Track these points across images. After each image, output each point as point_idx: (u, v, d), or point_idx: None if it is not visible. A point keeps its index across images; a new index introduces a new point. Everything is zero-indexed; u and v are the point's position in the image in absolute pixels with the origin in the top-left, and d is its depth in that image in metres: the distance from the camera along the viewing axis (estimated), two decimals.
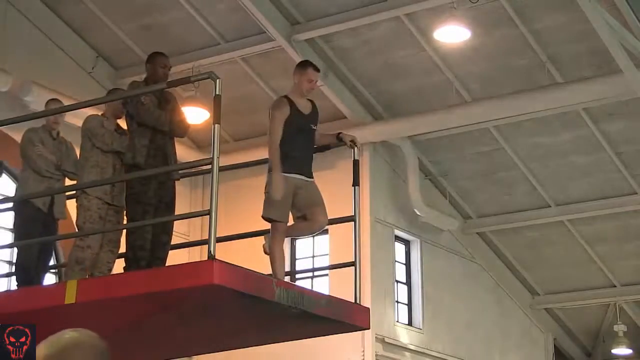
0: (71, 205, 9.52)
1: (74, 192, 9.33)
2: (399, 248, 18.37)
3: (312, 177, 8.42)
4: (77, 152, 9.46)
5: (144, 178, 8.50)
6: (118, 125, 9.24)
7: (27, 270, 9.19)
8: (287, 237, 8.59)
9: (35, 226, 9.25)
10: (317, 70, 8.63)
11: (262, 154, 8.66)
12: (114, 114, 9.16)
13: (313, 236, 17.05)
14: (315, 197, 8.33)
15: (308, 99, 8.56)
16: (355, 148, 8.77)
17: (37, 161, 9.37)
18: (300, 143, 8.35)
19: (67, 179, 9.74)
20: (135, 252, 8.45)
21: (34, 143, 9.43)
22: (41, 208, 9.29)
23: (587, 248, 19.92)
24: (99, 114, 9.37)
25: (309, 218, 8.33)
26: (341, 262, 9.19)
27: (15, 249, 9.93)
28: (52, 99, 10.19)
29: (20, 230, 9.36)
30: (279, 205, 8.15)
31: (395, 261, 18.03)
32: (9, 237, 14.70)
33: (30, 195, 9.23)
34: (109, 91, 9.70)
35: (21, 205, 9.38)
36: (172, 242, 9.17)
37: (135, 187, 8.58)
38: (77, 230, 8.90)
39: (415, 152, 17.73)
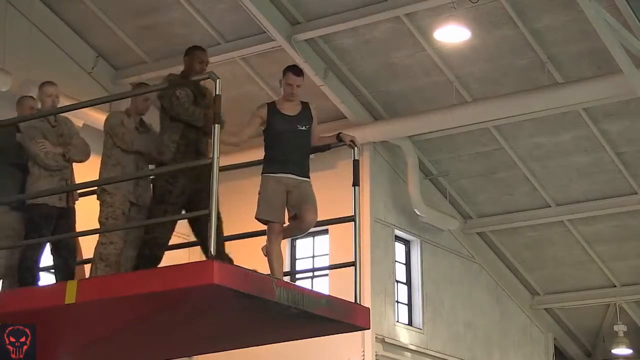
0: (91, 200, 9.41)
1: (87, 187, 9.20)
2: (399, 248, 18.37)
3: (307, 177, 8.47)
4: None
5: (171, 177, 8.27)
6: (142, 122, 9.00)
7: (30, 270, 9.05)
8: (284, 238, 8.59)
9: (47, 226, 9.01)
10: (298, 74, 8.65)
11: (262, 154, 8.66)
12: (137, 110, 8.95)
13: (311, 236, 17.11)
14: (305, 195, 8.39)
15: (302, 101, 8.65)
16: (355, 148, 8.80)
17: (44, 159, 9.09)
18: (288, 144, 8.43)
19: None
20: (154, 250, 8.27)
21: (36, 139, 9.14)
22: (56, 205, 9.04)
23: (587, 248, 19.92)
24: (123, 110, 9.06)
25: (298, 216, 8.40)
26: (341, 262, 9.20)
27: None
28: (46, 82, 9.90)
29: (32, 229, 9.06)
30: (271, 206, 8.22)
31: (395, 261, 18.03)
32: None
33: (44, 192, 8.95)
34: (135, 85, 9.37)
35: (34, 204, 9.05)
36: (172, 242, 9.15)
37: (161, 186, 8.33)
38: (99, 227, 8.71)
39: (415, 152, 17.73)
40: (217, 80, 7.56)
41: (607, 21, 13.92)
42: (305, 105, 8.66)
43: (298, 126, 8.52)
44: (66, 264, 9.13)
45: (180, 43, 16.24)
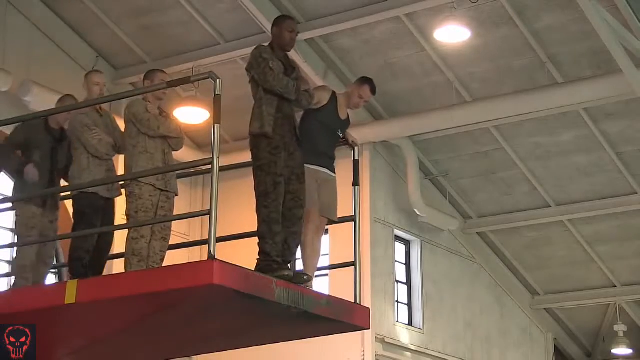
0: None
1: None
2: (399, 248, 18.37)
3: (335, 173, 8.60)
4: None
5: (274, 147, 7.92)
6: (161, 108, 8.98)
7: (82, 261, 8.88)
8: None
9: (96, 215, 8.92)
10: (375, 92, 8.80)
11: None
12: (156, 96, 8.89)
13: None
14: (332, 193, 8.51)
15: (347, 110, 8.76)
16: (356, 148, 8.83)
17: (98, 147, 9.01)
18: (327, 141, 8.53)
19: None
20: (271, 226, 7.90)
21: (90, 127, 9.07)
22: (105, 195, 8.95)
23: (587, 248, 19.93)
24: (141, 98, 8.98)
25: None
26: (341, 262, 9.19)
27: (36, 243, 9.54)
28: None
29: (82, 219, 8.95)
30: (309, 193, 8.24)
31: (395, 261, 18.04)
32: (8, 237, 14.71)
33: (93, 183, 8.89)
34: (146, 72, 9.24)
35: (84, 193, 8.93)
36: (172, 242, 9.13)
37: (263, 158, 7.93)
38: (127, 220, 8.61)
39: (415, 152, 17.74)
40: (217, 80, 7.55)
41: (607, 21, 13.92)
42: (349, 116, 8.75)
43: (339, 131, 8.62)
44: (100, 261, 9.05)
45: (180, 43, 16.29)
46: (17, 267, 9.28)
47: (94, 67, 16.65)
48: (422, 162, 18.16)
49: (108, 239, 9.14)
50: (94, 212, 8.94)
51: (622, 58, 14.35)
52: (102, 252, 9.07)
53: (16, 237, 9.42)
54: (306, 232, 8.32)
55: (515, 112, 16.22)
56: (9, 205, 9.93)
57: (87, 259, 8.93)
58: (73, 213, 9.09)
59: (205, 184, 17.54)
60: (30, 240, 9.17)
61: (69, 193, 9.39)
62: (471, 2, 14.22)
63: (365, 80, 8.82)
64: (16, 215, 9.32)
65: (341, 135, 8.66)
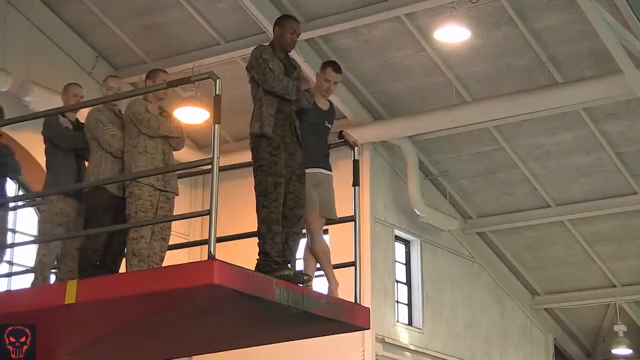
0: None
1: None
2: (399, 248, 18.37)
3: (330, 170, 8.58)
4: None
5: (274, 148, 7.94)
6: (161, 108, 8.98)
7: (90, 260, 8.83)
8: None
9: (106, 213, 8.83)
10: (337, 71, 8.68)
11: None
12: (157, 96, 8.90)
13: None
14: (329, 193, 8.50)
15: (327, 99, 8.70)
16: (356, 148, 8.83)
17: (111, 142, 8.94)
18: (318, 139, 8.48)
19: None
20: (271, 226, 7.91)
21: (104, 123, 9.02)
22: (116, 194, 8.85)
23: (587, 248, 19.92)
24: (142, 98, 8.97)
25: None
26: (341, 262, 9.17)
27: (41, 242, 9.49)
28: (111, 76, 9.84)
29: (92, 216, 8.89)
30: (311, 199, 8.25)
31: (395, 261, 18.03)
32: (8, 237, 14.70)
33: (100, 181, 8.83)
34: (148, 72, 9.22)
35: (95, 190, 8.89)
36: (172, 242, 9.12)
37: (264, 158, 7.93)
38: (127, 221, 8.59)
39: (415, 152, 17.74)
40: (217, 80, 7.54)
41: (607, 21, 13.92)
42: (331, 104, 8.72)
43: (326, 122, 8.60)
44: (115, 263, 8.98)
45: (180, 43, 16.30)
46: (39, 264, 9.23)
47: (93, 67, 16.68)
48: (422, 162, 18.15)
49: (118, 239, 9.00)
50: (104, 210, 8.87)
51: (622, 58, 14.35)
52: (114, 252, 8.97)
53: (39, 233, 9.39)
54: (317, 240, 8.38)
55: (515, 112, 16.22)
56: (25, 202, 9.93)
57: (96, 259, 8.89)
58: (85, 210, 9.06)
59: (205, 184, 17.54)
60: (51, 237, 9.14)
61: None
62: (471, 2, 14.22)
63: (327, 64, 8.74)
64: (43, 210, 9.30)
65: (329, 125, 8.63)
